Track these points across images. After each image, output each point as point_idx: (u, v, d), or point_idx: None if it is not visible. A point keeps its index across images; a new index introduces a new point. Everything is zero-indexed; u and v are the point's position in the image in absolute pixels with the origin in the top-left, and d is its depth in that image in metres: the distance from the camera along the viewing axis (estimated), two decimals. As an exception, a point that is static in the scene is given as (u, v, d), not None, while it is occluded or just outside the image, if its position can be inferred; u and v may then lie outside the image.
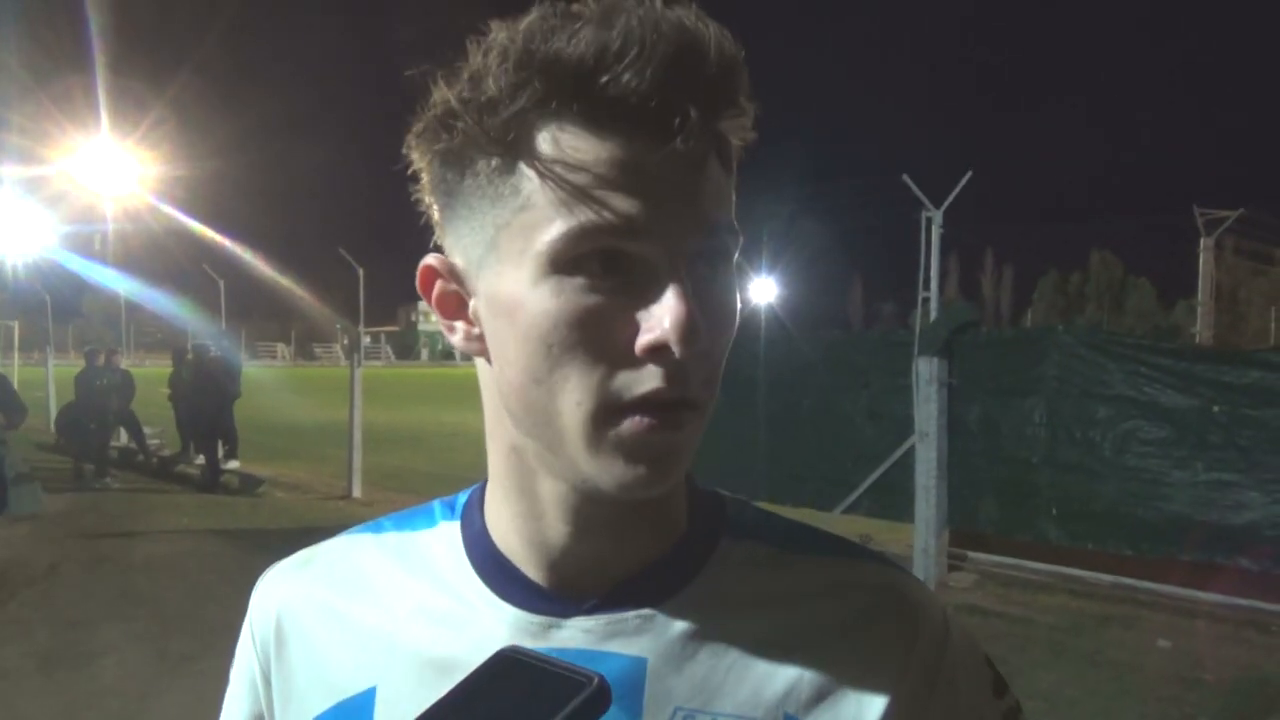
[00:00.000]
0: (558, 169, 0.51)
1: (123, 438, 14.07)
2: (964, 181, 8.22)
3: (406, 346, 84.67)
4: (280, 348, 74.29)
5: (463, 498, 0.68)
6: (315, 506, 10.48)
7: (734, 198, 0.55)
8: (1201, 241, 19.10)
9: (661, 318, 0.50)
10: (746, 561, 0.62)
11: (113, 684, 5.02)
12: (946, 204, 8.34)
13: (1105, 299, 75.15)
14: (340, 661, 0.63)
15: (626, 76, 0.49)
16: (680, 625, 0.59)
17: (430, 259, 0.58)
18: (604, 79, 0.49)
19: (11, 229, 20.59)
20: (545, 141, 0.51)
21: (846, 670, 0.59)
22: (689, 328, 0.49)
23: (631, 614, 0.59)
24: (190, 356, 13.54)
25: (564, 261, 0.51)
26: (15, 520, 6.21)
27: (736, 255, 0.55)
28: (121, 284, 21.66)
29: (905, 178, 8.40)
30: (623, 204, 0.50)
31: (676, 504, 0.63)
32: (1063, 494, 6.56)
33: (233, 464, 12.34)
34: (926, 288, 8.68)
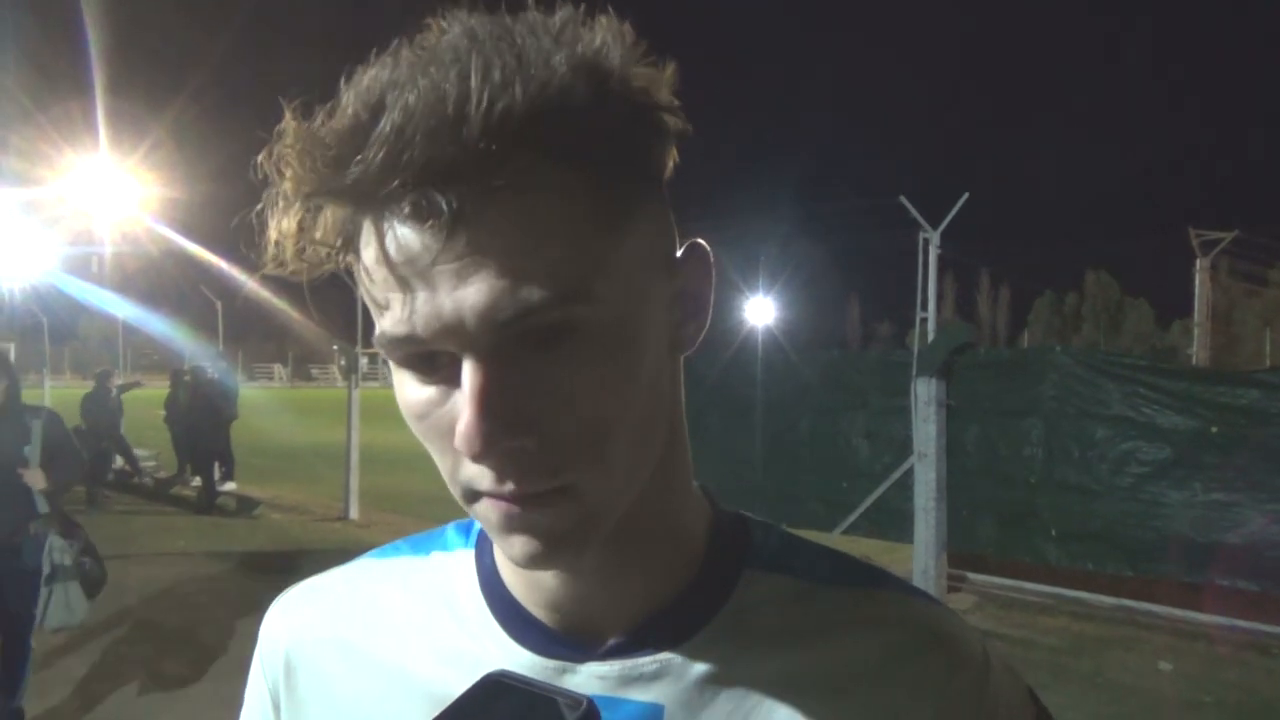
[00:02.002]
0: (362, 274, 0.50)
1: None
2: (961, 203, 8.25)
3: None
4: (277, 369, 74.24)
5: (478, 524, 0.65)
6: (312, 528, 10.44)
7: (595, 249, 0.48)
8: (1197, 262, 19.18)
9: (459, 422, 0.48)
10: (770, 596, 0.59)
11: (107, 708, 4.98)
12: (944, 225, 8.37)
13: (1102, 319, 75.41)
14: (352, 695, 0.62)
15: (370, 171, 0.45)
16: (699, 668, 0.56)
17: None
18: (351, 177, 0.45)
19: (9, 251, 20.61)
20: (360, 238, 0.49)
21: (879, 711, 0.56)
22: (471, 437, 0.47)
23: (648, 659, 0.56)
24: (187, 378, 13.53)
25: (393, 360, 0.51)
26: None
27: (604, 315, 0.48)
28: (119, 306, 21.64)
29: (902, 199, 8.43)
30: (405, 312, 0.47)
31: (688, 532, 0.60)
32: (1062, 515, 6.54)
33: (229, 486, 12.30)
34: (924, 308, 8.69)
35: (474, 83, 0.44)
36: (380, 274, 0.48)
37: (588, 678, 0.57)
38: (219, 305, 22.57)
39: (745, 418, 8.16)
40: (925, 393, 7.00)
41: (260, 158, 0.49)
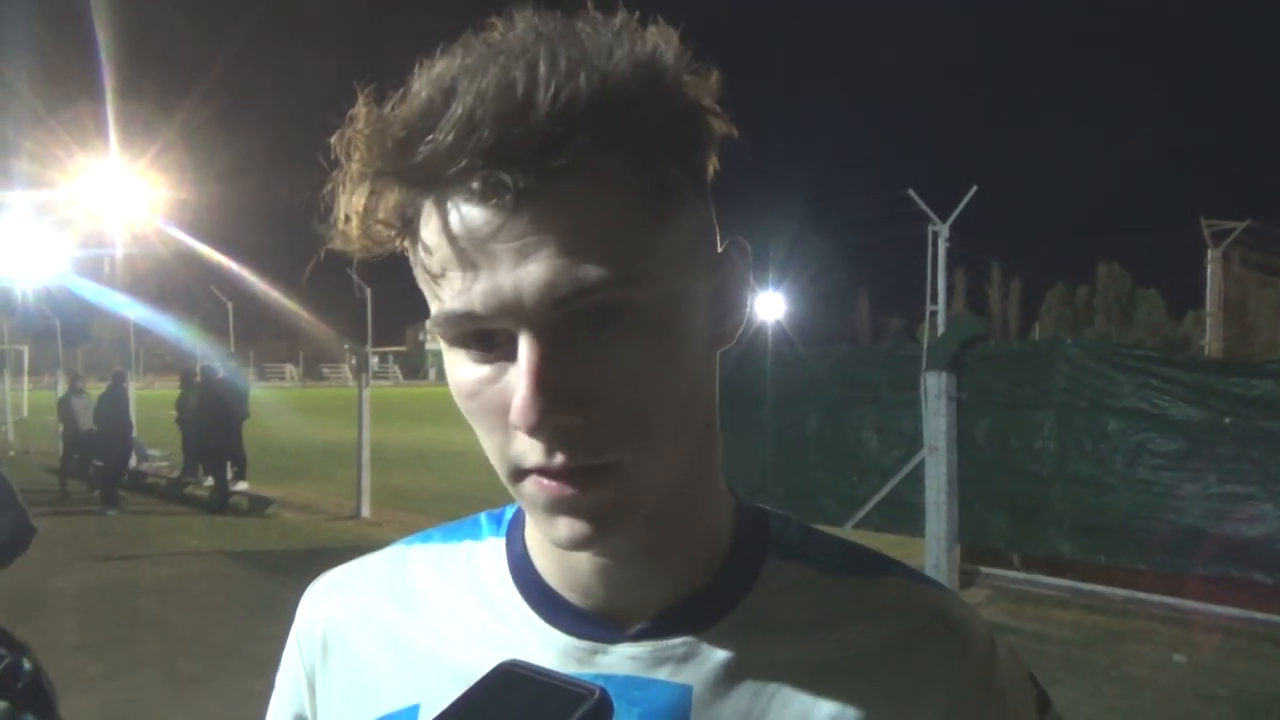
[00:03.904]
0: (421, 254, 0.52)
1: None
2: (970, 195, 8.24)
3: (414, 366, 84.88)
4: (288, 368, 74.66)
5: (509, 512, 0.67)
6: (324, 527, 10.48)
7: (647, 234, 0.50)
8: (1209, 253, 19.06)
9: (515, 397, 0.49)
10: (790, 584, 0.62)
11: (121, 707, 5.01)
12: (953, 218, 8.35)
13: (1114, 311, 75.06)
14: (384, 675, 0.64)
15: (440, 150, 0.47)
16: (724, 652, 0.59)
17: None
18: (420, 157, 0.48)
19: (21, 253, 20.74)
20: (420, 219, 0.51)
21: (893, 694, 0.58)
22: (526, 410, 0.48)
23: (677, 641, 0.59)
24: (198, 379, 13.60)
25: (447, 339, 0.53)
26: None
27: (655, 296, 0.50)
28: (130, 308, 21.75)
29: (911, 192, 8.42)
30: (464, 289, 0.49)
31: (715, 523, 0.62)
32: (1074, 508, 6.52)
33: (241, 485, 12.36)
34: (934, 302, 8.68)
35: (542, 71, 0.47)
36: (441, 252, 0.50)
37: (620, 658, 0.59)
38: (230, 305, 22.65)
39: (755, 413, 8.16)
40: (936, 386, 6.98)
41: (333, 139, 0.51)
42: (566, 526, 0.52)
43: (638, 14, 0.52)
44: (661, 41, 0.51)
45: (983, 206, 8.43)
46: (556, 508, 0.52)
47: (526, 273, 0.48)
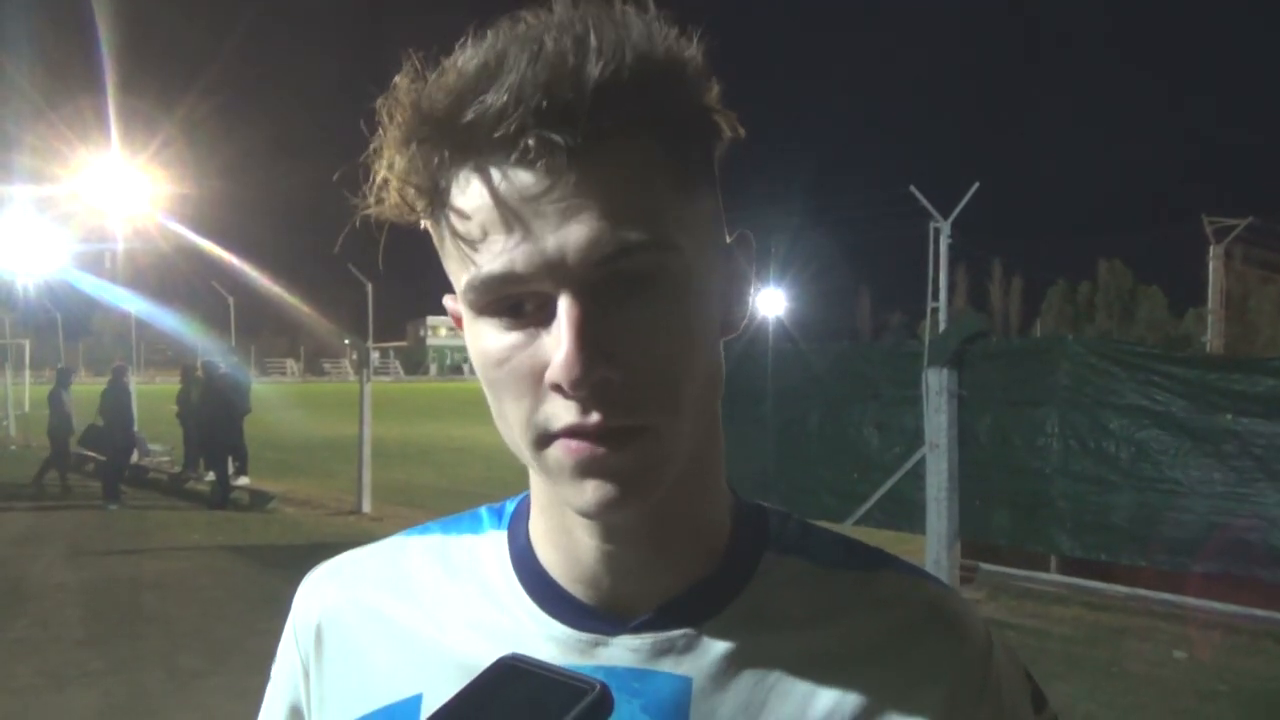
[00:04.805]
0: (454, 218, 0.53)
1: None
2: (972, 192, 8.22)
3: (415, 362, 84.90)
4: (289, 364, 74.63)
5: (510, 506, 0.68)
6: (325, 522, 10.50)
7: (675, 207, 0.53)
8: (1210, 250, 19.02)
9: (555, 354, 0.51)
10: (788, 578, 0.62)
11: (123, 702, 5.02)
12: (954, 215, 8.33)
13: (1115, 308, 74.99)
14: (385, 665, 0.64)
15: (490, 112, 0.49)
16: (723, 644, 0.59)
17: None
18: (469, 118, 0.50)
19: (23, 248, 20.77)
20: (454, 189, 0.53)
21: (890, 688, 0.59)
22: (570, 364, 0.49)
23: (677, 633, 0.59)
24: (199, 374, 13.61)
25: (478, 307, 0.54)
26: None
27: (682, 266, 0.53)
28: (131, 302, 21.76)
29: (913, 189, 8.40)
30: (505, 250, 0.51)
31: (716, 518, 0.63)
32: (1075, 505, 6.52)
33: (243, 480, 12.38)
34: (935, 298, 8.67)
35: (593, 43, 0.50)
36: (482, 216, 0.52)
37: (620, 650, 0.59)
38: (231, 300, 22.64)
39: (756, 409, 8.16)
40: (936, 383, 6.98)
41: (378, 103, 0.53)
42: (595, 490, 0.53)
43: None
44: (684, 41, 0.54)
45: (984, 203, 8.42)
46: (586, 470, 0.52)
47: (570, 232, 0.50)
